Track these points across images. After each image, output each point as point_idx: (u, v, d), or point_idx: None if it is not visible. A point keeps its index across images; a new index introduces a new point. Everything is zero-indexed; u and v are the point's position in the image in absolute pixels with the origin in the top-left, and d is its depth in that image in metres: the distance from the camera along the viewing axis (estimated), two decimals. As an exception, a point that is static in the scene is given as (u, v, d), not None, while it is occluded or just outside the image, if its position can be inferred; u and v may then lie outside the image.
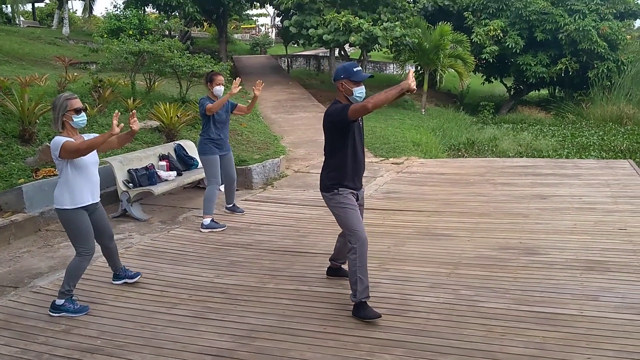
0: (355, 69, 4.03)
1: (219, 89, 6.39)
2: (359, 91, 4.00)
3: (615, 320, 3.88)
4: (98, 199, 4.33)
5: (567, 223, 6.22)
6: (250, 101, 6.80)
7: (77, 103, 4.11)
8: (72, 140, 4.04)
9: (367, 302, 4.05)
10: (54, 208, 6.47)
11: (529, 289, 4.49)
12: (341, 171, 4.13)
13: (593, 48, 19.99)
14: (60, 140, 4.02)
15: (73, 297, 4.23)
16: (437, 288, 4.58)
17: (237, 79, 6.34)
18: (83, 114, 4.14)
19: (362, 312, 4.02)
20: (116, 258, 4.65)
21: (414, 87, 3.61)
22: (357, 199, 4.25)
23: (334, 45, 18.63)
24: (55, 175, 6.84)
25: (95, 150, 4.27)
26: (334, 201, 4.16)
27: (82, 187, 4.16)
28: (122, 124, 4.01)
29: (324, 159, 4.29)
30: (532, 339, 3.69)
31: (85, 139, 4.25)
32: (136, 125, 4.26)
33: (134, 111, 4.37)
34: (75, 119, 4.09)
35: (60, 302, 4.17)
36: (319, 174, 4.31)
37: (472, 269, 4.97)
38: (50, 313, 4.15)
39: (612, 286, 4.45)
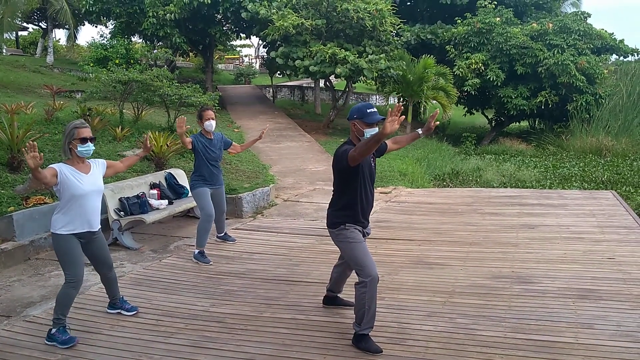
0: (369, 111, 3.99)
1: (209, 124, 6.33)
2: (370, 133, 3.89)
3: (612, 348, 3.94)
4: (96, 228, 4.29)
5: (556, 252, 6.31)
6: (246, 141, 6.80)
7: (85, 132, 4.13)
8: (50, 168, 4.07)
9: (369, 334, 4.05)
10: (43, 236, 6.47)
11: (524, 317, 4.54)
12: (349, 210, 4.12)
13: (572, 81, 20.49)
14: None
15: (66, 327, 4.16)
16: (433, 316, 4.60)
17: (182, 117, 6.04)
18: (89, 143, 4.16)
19: (364, 344, 4.01)
20: (115, 287, 4.61)
21: (389, 129, 3.39)
22: (364, 236, 4.24)
23: (320, 76, 18.86)
24: (45, 203, 6.80)
25: (99, 178, 4.28)
26: (341, 236, 4.16)
27: (76, 214, 4.14)
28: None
29: (332, 195, 4.28)
30: (531, 366, 3.73)
31: (92, 165, 4.27)
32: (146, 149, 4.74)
33: (146, 135, 4.69)
34: (79, 148, 4.11)
35: (53, 330, 4.12)
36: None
37: (467, 298, 5.00)
38: (46, 341, 4.10)
39: (606, 314, 4.51)
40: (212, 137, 6.43)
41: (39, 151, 3.74)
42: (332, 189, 4.27)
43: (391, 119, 3.37)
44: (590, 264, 5.84)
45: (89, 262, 4.41)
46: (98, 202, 4.30)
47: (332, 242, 4.33)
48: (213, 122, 6.38)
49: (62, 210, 4.14)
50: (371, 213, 4.34)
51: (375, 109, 4.06)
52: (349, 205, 4.12)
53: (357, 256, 4.08)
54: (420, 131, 4.45)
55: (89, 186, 4.17)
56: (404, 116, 3.45)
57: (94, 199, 4.24)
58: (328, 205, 4.33)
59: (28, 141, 3.94)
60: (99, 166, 4.35)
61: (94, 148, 4.26)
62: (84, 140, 4.12)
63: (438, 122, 3.88)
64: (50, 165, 4.09)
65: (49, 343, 4.08)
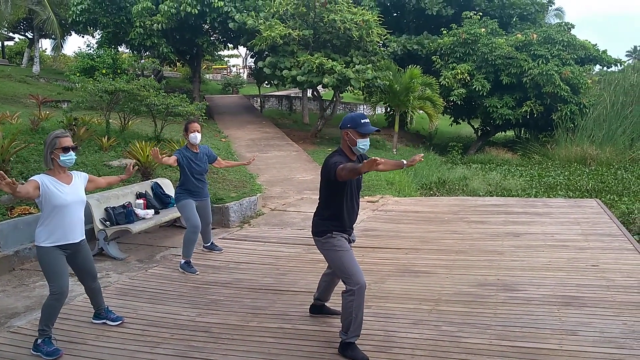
0: (362, 121, 4.01)
1: (194, 136, 6.32)
2: (363, 143, 3.99)
3: (595, 354, 3.97)
4: (79, 238, 4.25)
5: (541, 260, 6.37)
6: (234, 161, 6.81)
7: (66, 142, 4.11)
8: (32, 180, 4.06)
9: (355, 342, 4.06)
10: (28, 247, 6.42)
11: (509, 324, 4.56)
12: (335, 220, 4.14)
13: (556, 91, 20.76)
14: None
15: (52, 339, 4.12)
16: (419, 324, 4.62)
17: (154, 149, 5.95)
18: (71, 152, 4.14)
19: (350, 353, 4.02)
20: (99, 297, 4.58)
21: (367, 169, 3.59)
22: (349, 242, 4.26)
23: (308, 86, 18.95)
24: (30, 213, 6.75)
25: (80, 189, 4.26)
26: (327, 245, 4.16)
27: (59, 226, 4.10)
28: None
29: (318, 204, 4.30)
30: (516, 373, 3.75)
31: (74, 176, 4.25)
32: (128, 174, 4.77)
33: (133, 161, 4.67)
34: (62, 157, 4.09)
35: (39, 341, 4.08)
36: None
37: (453, 306, 5.03)
38: (32, 351, 4.07)
39: (590, 321, 4.56)
40: (198, 150, 6.42)
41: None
42: (318, 196, 4.29)
43: (369, 165, 3.48)
44: (574, 272, 5.90)
45: (73, 272, 4.38)
46: (81, 213, 4.26)
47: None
48: (198, 135, 6.36)
49: (44, 222, 4.11)
50: (357, 222, 4.37)
51: (368, 120, 4.10)
52: (336, 215, 4.14)
53: (344, 264, 4.09)
54: (404, 162, 4.56)
55: (71, 196, 4.14)
56: (384, 159, 3.60)
57: (76, 209, 4.20)
58: (314, 213, 4.34)
59: None
60: (80, 177, 4.33)
61: (76, 157, 4.24)
62: (66, 150, 4.10)
63: (422, 160, 4.06)
64: (31, 178, 4.07)
65: (35, 353, 4.05)
